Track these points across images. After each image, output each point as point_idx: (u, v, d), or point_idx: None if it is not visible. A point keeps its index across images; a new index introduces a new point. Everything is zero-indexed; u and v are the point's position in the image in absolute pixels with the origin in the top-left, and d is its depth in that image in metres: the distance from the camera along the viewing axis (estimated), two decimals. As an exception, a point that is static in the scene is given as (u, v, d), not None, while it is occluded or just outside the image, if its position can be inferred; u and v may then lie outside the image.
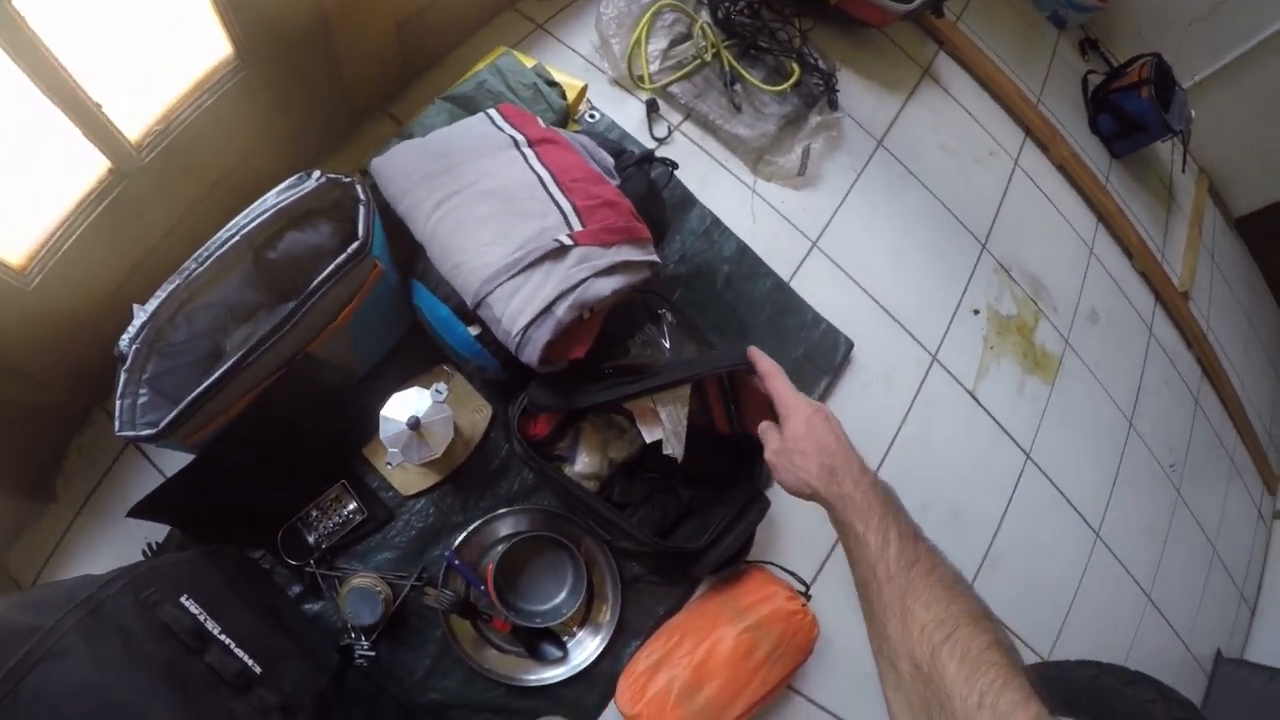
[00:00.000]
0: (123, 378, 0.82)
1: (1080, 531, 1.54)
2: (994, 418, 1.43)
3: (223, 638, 0.76)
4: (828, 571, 1.17)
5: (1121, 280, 1.77)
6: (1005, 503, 1.42)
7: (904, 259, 1.39)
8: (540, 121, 0.96)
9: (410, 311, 1.01)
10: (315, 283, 0.82)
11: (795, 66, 1.30)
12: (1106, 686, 1.17)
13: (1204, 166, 2.24)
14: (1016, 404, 1.47)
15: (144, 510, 0.90)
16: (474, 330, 0.88)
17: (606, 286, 0.82)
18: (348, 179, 0.89)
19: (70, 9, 0.72)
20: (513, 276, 0.81)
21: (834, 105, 1.35)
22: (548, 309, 0.79)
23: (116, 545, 1.03)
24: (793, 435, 0.68)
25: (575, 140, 0.96)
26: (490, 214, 0.85)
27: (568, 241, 0.82)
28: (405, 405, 0.92)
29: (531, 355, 0.80)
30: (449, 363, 1.03)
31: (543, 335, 0.79)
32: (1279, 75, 1.93)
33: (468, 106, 1.06)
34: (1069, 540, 1.52)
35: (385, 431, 0.92)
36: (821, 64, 1.35)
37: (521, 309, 0.80)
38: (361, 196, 0.87)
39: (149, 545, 1.01)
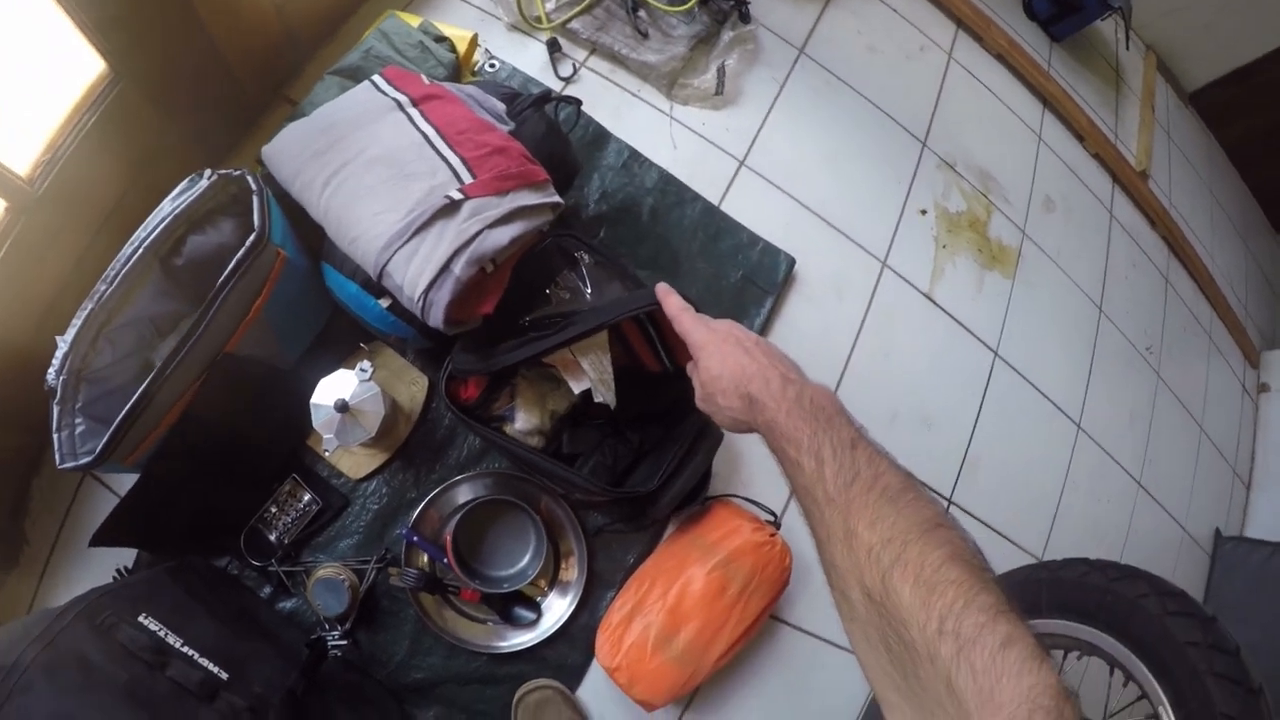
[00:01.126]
0: (55, 411, 0.82)
1: (1060, 425, 1.52)
2: (955, 318, 1.40)
3: (185, 649, 0.77)
4: (799, 497, 1.16)
5: (1075, 165, 1.72)
6: (978, 403, 1.40)
7: (840, 166, 1.34)
8: (424, 79, 0.92)
9: (329, 294, 0.99)
10: (219, 283, 0.80)
11: (698, -16, 1.24)
12: (1095, 584, 1.15)
13: (1150, 44, 2.18)
14: (977, 301, 1.44)
15: (103, 538, 0.90)
16: (385, 303, 0.86)
17: (504, 235, 0.79)
18: (238, 172, 0.87)
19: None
20: (407, 241, 0.78)
21: (745, 18, 1.29)
22: (445, 268, 0.77)
23: (94, 575, 1.04)
24: (708, 374, 0.62)
25: (461, 92, 0.92)
26: (379, 182, 0.81)
27: (458, 196, 0.79)
28: (333, 389, 0.90)
29: (437, 318, 0.78)
30: (373, 340, 1.01)
31: (444, 296, 0.77)
32: (1219, -55, 1.85)
33: (356, 77, 1.02)
34: (1050, 435, 1.50)
35: (317, 419, 0.91)
36: (728, -21, 1.29)
37: (420, 272, 0.77)
38: (254, 187, 0.84)
39: (120, 569, 1.01)
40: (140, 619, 0.77)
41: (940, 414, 1.35)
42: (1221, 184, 2.26)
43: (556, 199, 0.85)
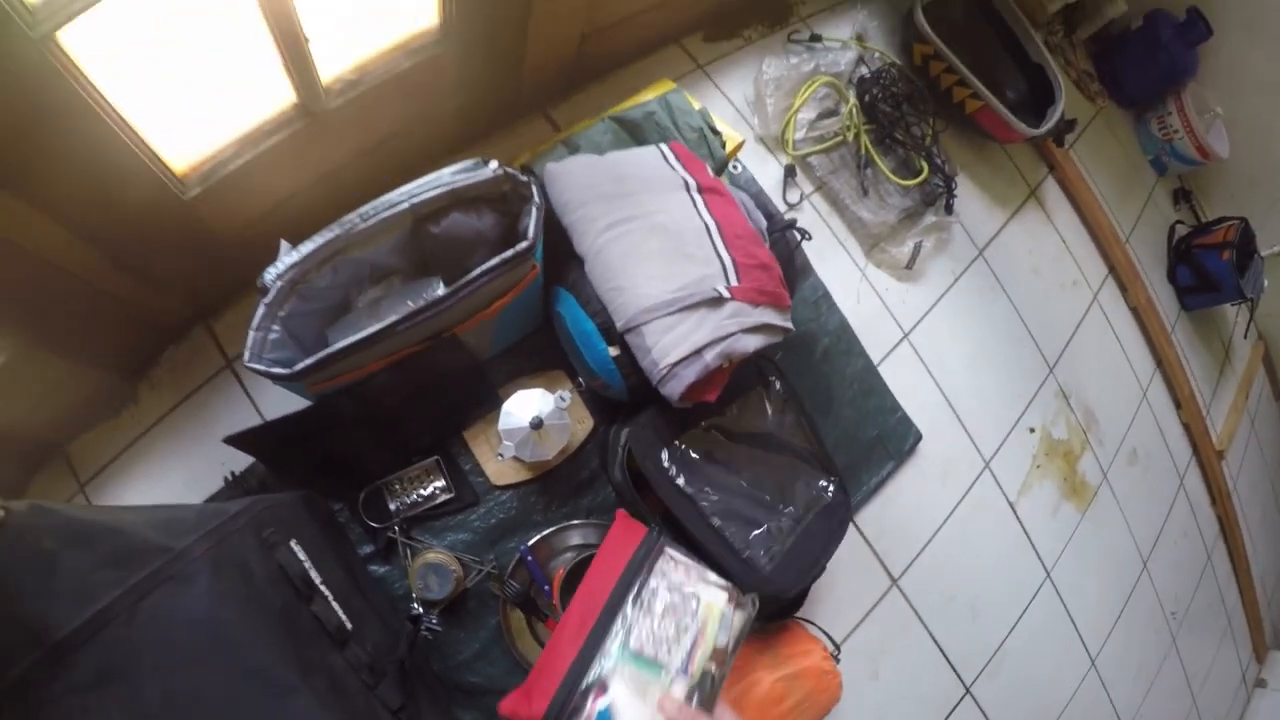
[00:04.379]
0: (261, 310, 0.84)
1: (1078, 657, 1.58)
2: (1027, 532, 1.48)
3: (323, 588, 0.78)
4: (856, 638, 1.23)
5: (1166, 429, 1.83)
6: (1020, 613, 1.47)
7: (980, 367, 1.45)
8: (709, 169, 1.02)
9: (542, 313, 1.06)
10: (480, 270, 0.85)
11: (925, 164, 1.37)
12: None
13: (1263, 334, 2.31)
14: (1049, 524, 1.52)
15: (244, 441, 0.92)
16: (613, 351, 0.93)
17: (751, 344, 0.88)
18: (524, 177, 0.91)
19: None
20: (670, 314, 0.86)
21: (949, 209, 1.42)
22: (698, 352, 0.85)
23: (189, 465, 1.05)
24: None
25: (736, 195, 1.02)
26: (659, 249, 0.90)
27: (725, 294, 0.88)
28: (529, 404, 0.97)
29: (674, 390, 0.85)
30: (570, 371, 1.08)
31: (689, 375, 0.84)
32: (1355, 267, 1.99)
33: (634, 134, 1.12)
34: (1067, 663, 1.57)
35: (505, 424, 0.97)
36: (946, 167, 1.41)
37: (674, 346, 0.85)
38: (536, 198, 0.90)
39: (231, 473, 1.04)
40: (292, 544, 0.78)
41: (987, 610, 1.42)
42: (1285, 483, 2.37)
43: (790, 326, 0.94)
